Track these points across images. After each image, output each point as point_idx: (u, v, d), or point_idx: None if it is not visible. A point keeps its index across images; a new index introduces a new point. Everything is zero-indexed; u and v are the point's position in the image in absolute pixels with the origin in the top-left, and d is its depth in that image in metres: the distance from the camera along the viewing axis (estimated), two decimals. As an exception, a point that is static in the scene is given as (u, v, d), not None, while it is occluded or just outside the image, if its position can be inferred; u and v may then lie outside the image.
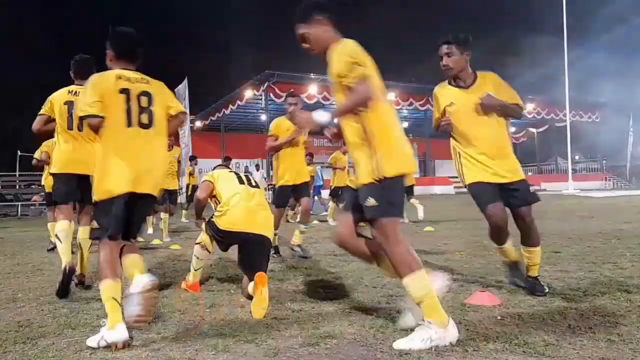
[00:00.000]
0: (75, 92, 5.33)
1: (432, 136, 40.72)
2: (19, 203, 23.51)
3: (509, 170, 4.44)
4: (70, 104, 5.27)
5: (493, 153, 4.44)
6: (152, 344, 3.36)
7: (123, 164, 3.74)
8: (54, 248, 7.72)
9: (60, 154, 5.35)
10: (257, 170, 31.49)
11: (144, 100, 3.91)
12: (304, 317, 3.89)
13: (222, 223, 4.69)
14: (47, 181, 8.13)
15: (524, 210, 4.42)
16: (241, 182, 4.97)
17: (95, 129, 3.81)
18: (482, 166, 4.47)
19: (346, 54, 3.31)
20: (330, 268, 6.08)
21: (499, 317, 3.71)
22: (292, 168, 7.47)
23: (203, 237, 4.95)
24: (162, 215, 10.78)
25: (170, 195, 11.33)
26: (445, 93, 4.65)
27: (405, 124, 45.99)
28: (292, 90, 7.41)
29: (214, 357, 3.10)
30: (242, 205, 4.72)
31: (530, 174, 49.08)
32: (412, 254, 3.27)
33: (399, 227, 3.32)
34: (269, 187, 29.22)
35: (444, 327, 3.14)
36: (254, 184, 5.06)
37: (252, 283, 4.21)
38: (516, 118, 4.64)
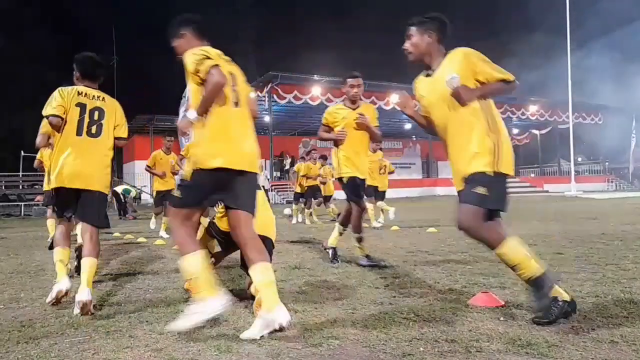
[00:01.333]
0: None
1: (435, 138, 40.67)
2: (22, 203, 23.57)
3: (468, 162, 3.73)
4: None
5: (455, 145, 3.89)
6: (154, 344, 3.36)
7: (63, 163, 4.68)
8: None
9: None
10: (261, 171, 31.49)
11: (96, 115, 4.83)
12: (306, 318, 3.89)
13: (224, 225, 4.67)
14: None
15: (459, 209, 3.71)
16: None
17: (56, 128, 4.71)
18: (451, 164, 3.97)
19: (196, 52, 3.70)
20: (332, 269, 6.08)
21: (501, 318, 3.71)
22: (354, 160, 6.44)
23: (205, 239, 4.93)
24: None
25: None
26: (417, 86, 4.20)
27: (409, 126, 46.03)
28: (355, 72, 6.98)
29: (217, 357, 3.10)
30: None
31: (532, 175, 49.11)
32: (192, 237, 3.83)
33: (181, 213, 3.77)
34: (273, 188, 29.28)
35: (204, 301, 3.49)
36: None
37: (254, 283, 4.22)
38: (504, 94, 3.94)
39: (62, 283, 4.55)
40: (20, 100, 49.16)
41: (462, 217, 3.67)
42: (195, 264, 3.62)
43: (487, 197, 3.60)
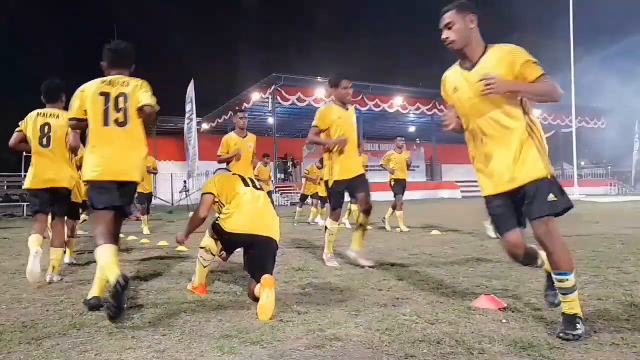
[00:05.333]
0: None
1: (439, 141, 40.74)
2: (25, 203, 23.52)
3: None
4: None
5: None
6: (157, 345, 3.37)
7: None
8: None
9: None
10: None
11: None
12: (310, 319, 3.89)
13: (228, 226, 4.65)
14: None
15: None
16: (246, 184, 4.93)
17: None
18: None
19: None
20: (336, 270, 6.08)
21: (504, 321, 3.71)
22: None
23: (207, 241, 4.90)
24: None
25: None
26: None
27: (413, 129, 46.10)
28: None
29: (220, 358, 3.11)
30: (248, 208, 4.70)
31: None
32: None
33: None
34: (277, 189, 29.30)
35: None
36: (258, 186, 5.03)
37: (258, 285, 4.22)
38: None
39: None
40: (21, 100, 49.28)
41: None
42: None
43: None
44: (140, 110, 4.57)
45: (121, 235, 11.37)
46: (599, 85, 42.25)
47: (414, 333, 3.47)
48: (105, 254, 4.12)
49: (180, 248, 8.55)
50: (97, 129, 4.53)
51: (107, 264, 4.06)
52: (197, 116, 31.66)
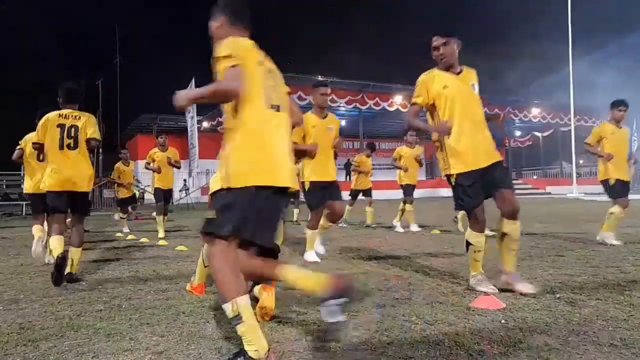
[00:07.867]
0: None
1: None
2: (24, 202, 23.51)
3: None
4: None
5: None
6: (155, 347, 3.35)
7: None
8: None
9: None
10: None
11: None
12: (309, 320, 3.88)
13: None
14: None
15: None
16: None
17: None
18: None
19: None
20: (336, 271, 6.06)
21: (503, 321, 3.70)
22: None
23: None
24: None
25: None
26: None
27: (412, 128, 46.19)
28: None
29: None
30: None
31: (535, 177, 49.13)
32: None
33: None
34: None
35: None
36: None
37: (258, 286, 4.20)
38: None
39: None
40: (21, 99, 49.22)
41: None
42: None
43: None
44: (87, 142, 6.14)
45: (120, 234, 11.46)
46: (597, 84, 42.28)
47: (412, 334, 3.47)
48: (55, 240, 5.67)
49: (180, 248, 8.55)
50: (54, 152, 6.01)
51: (56, 247, 5.60)
52: (197, 114, 31.65)
